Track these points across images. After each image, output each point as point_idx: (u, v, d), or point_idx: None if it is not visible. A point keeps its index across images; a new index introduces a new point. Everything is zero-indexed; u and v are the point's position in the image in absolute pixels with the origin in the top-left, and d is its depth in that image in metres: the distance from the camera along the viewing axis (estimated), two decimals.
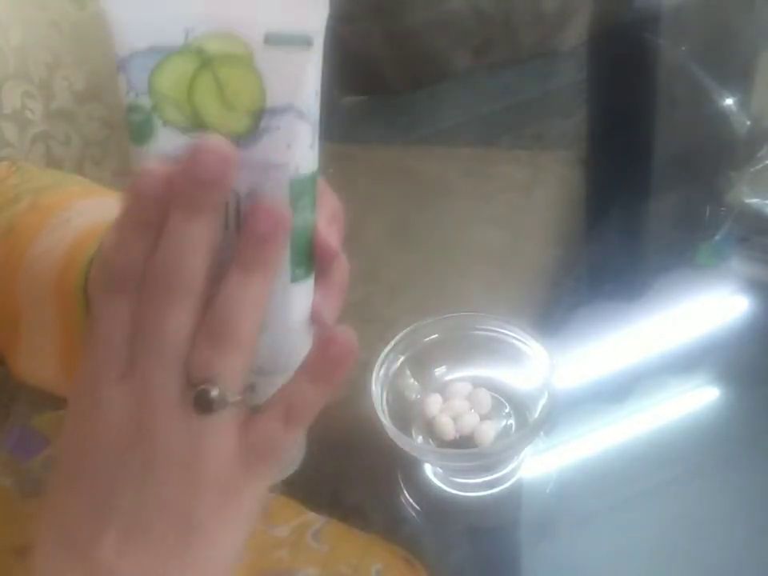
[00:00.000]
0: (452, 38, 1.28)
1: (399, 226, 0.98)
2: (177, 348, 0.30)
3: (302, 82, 0.30)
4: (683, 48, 1.04)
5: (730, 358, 0.73)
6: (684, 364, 0.73)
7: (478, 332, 0.67)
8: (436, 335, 0.68)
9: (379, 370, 0.64)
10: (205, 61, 0.30)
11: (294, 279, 0.33)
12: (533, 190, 1.02)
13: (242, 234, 0.30)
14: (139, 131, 0.31)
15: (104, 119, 1.02)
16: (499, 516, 0.65)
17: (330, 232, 0.35)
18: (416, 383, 0.67)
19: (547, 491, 0.65)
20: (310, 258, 0.34)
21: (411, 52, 1.27)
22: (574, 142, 1.12)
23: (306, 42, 0.30)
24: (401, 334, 0.67)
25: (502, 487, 0.64)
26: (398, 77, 1.28)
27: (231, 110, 0.30)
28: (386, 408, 0.63)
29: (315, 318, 0.35)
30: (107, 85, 1.02)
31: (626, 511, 0.63)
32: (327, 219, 0.35)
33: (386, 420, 0.61)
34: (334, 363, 0.32)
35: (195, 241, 0.30)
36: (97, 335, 0.31)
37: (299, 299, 0.34)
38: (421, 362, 0.67)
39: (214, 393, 0.30)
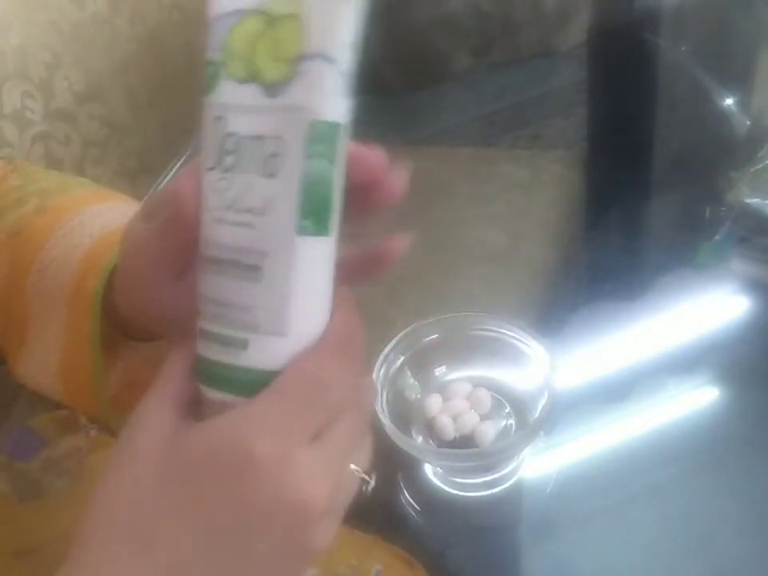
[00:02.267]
0: (452, 38, 1.28)
1: (399, 227, 0.98)
2: (362, 438, 0.34)
3: (335, 28, 0.32)
4: (683, 48, 1.03)
5: (730, 357, 0.73)
6: (684, 364, 0.73)
7: (478, 332, 0.67)
8: (436, 335, 0.68)
9: (379, 370, 0.64)
10: (269, 20, 0.32)
11: (301, 232, 0.32)
12: (532, 190, 1.02)
13: None
14: (208, 83, 0.34)
15: (104, 119, 1.02)
16: (499, 516, 0.65)
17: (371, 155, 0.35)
18: (416, 383, 0.67)
19: (547, 491, 0.65)
20: (325, 215, 0.33)
21: (411, 52, 1.27)
22: (574, 142, 1.12)
23: None
24: (401, 334, 0.67)
25: (501, 487, 0.64)
26: (398, 77, 1.28)
27: (277, 60, 0.32)
28: (385, 408, 0.63)
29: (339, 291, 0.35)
30: (107, 85, 1.02)
31: (625, 511, 0.63)
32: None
33: (386, 420, 0.61)
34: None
35: None
36: (316, 391, 0.32)
37: (306, 256, 0.33)
38: (421, 362, 0.67)
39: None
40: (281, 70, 0.32)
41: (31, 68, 0.91)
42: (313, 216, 0.32)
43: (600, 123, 1.08)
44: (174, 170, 0.97)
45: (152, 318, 0.40)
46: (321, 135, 0.32)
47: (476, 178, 1.05)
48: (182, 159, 0.99)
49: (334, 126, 0.33)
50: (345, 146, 0.33)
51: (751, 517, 0.62)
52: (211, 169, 0.34)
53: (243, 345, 0.33)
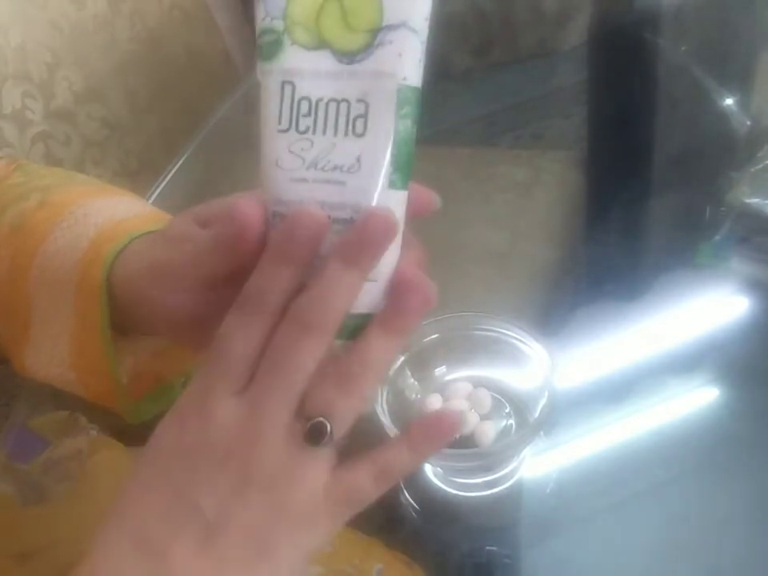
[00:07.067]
0: (452, 38, 1.28)
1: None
2: (301, 380, 0.33)
3: (415, 3, 0.35)
4: (683, 48, 1.04)
5: (730, 358, 0.73)
6: (684, 364, 0.73)
7: (478, 332, 0.67)
8: (436, 335, 0.68)
9: None
10: None
11: (392, 185, 0.35)
12: (533, 190, 1.02)
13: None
14: (269, 50, 0.36)
15: (104, 119, 1.02)
16: (499, 516, 0.65)
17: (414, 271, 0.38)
18: (416, 383, 0.67)
19: (547, 491, 0.65)
20: (408, 171, 0.37)
21: None
22: (574, 142, 1.12)
23: None
24: None
25: (502, 487, 0.64)
26: None
27: (352, 31, 0.34)
28: (385, 408, 0.63)
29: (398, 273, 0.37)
30: (107, 85, 1.02)
31: (626, 511, 0.63)
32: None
33: (386, 420, 0.61)
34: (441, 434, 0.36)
35: (347, 290, 0.33)
36: (222, 348, 0.33)
37: (395, 208, 0.36)
38: (421, 362, 0.67)
39: (328, 428, 0.33)
40: (357, 39, 0.34)
41: (31, 68, 0.91)
42: (400, 171, 0.36)
43: (600, 123, 1.08)
44: (174, 170, 0.97)
45: (155, 317, 0.41)
46: (407, 98, 0.36)
47: (476, 178, 1.05)
48: (182, 159, 0.99)
49: (416, 90, 0.36)
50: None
51: (751, 517, 0.62)
52: (284, 131, 0.35)
53: None
